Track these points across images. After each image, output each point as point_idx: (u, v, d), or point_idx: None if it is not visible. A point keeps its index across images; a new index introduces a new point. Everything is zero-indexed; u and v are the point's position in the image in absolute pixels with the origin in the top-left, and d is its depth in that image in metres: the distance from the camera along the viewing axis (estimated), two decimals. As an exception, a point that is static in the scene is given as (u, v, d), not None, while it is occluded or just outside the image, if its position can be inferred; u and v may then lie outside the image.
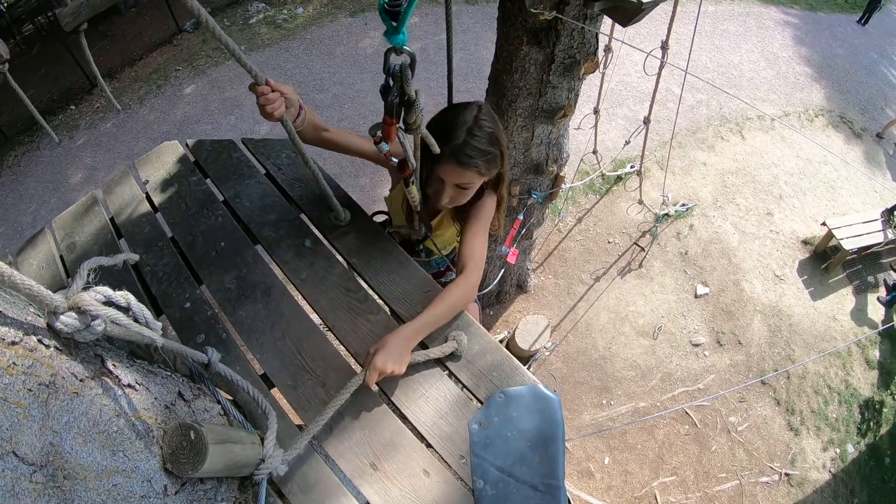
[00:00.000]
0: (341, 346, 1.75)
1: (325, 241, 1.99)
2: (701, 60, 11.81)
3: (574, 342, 7.12)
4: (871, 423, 7.34)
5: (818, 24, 15.87)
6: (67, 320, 0.94)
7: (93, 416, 0.96)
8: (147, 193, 2.17)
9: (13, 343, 0.84)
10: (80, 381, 0.96)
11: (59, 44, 10.98)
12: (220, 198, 2.13)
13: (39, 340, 0.91)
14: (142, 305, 1.07)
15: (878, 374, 7.85)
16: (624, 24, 3.07)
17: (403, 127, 1.50)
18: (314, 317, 1.81)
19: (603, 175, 8.30)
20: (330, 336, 1.77)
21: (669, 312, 7.45)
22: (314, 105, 9.55)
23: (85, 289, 0.98)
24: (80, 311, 0.96)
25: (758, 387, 7.13)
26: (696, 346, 7.23)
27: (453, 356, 1.69)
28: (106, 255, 1.36)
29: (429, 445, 1.54)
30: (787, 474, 6.59)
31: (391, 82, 1.39)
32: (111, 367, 1.10)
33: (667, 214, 8.17)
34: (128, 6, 12.95)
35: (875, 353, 8.06)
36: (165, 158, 2.24)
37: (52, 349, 0.93)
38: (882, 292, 8.88)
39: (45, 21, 13.40)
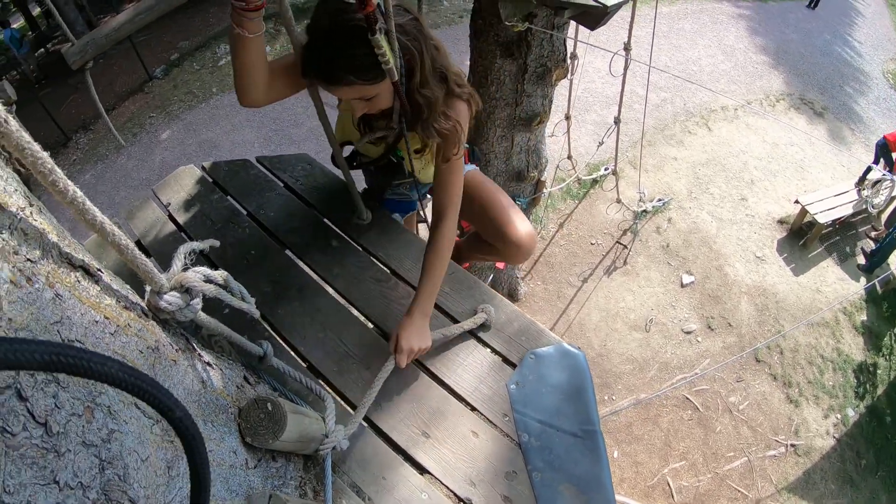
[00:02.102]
0: (379, 331, 1.88)
1: (351, 241, 2.11)
2: (661, 60, 12.17)
3: (570, 342, 7.24)
4: (868, 386, 7.57)
5: (770, 13, 16.43)
6: (171, 299, 1.04)
7: (187, 385, 1.07)
8: (170, 214, 2.28)
9: (126, 307, 0.95)
10: (176, 350, 1.07)
11: (30, 94, 11.06)
12: (244, 211, 2.23)
13: (143, 310, 1.03)
14: (238, 283, 1.19)
15: (867, 338, 8.13)
16: (592, 28, 3.25)
17: None
18: (350, 309, 1.93)
19: (579, 179, 8.51)
20: (367, 324, 1.90)
21: (658, 304, 7.64)
22: (290, 140, 9.72)
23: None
24: (184, 290, 1.06)
25: (753, 365, 7.32)
26: (689, 333, 7.41)
27: (484, 326, 1.82)
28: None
29: (473, 409, 1.66)
30: (792, 445, 6.76)
31: None
32: (194, 345, 1.22)
33: (645, 211, 8.39)
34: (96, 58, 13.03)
35: (862, 318, 8.34)
36: (183, 182, 2.34)
37: (151, 319, 1.04)
38: (861, 259, 9.19)
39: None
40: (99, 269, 0.96)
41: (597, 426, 1.56)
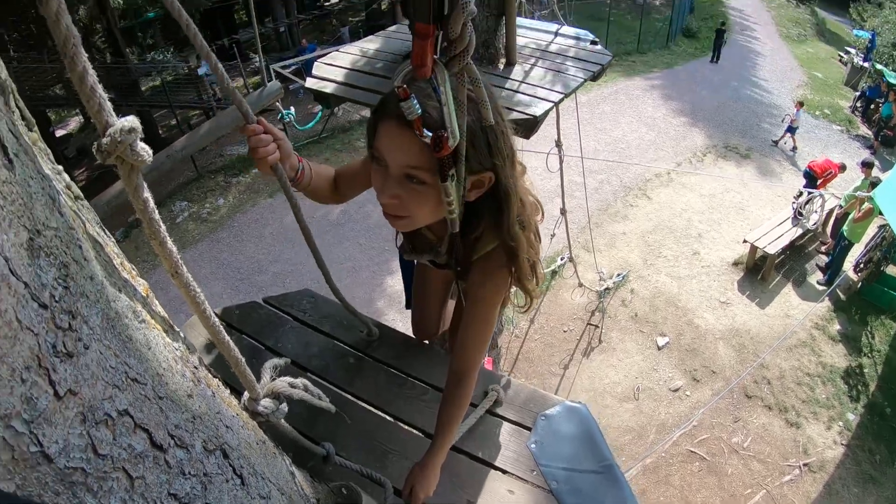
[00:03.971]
0: (409, 425, 2.18)
1: (365, 356, 2.42)
2: (591, 146, 13.15)
3: (570, 429, 7.64)
4: (860, 387, 8.00)
5: (678, 77, 17.88)
6: (267, 403, 1.27)
7: (284, 476, 1.39)
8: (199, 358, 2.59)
9: (244, 408, 1.27)
10: (275, 446, 1.41)
11: None
12: (262, 347, 2.49)
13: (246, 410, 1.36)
14: (315, 388, 1.49)
15: (845, 344, 8.64)
16: (527, 137, 3.42)
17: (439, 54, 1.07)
18: (377, 413, 2.24)
19: (540, 275, 9.16)
20: (397, 423, 2.20)
21: (641, 371, 8.13)
22: (257, 287, 10.07)
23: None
24: (275, 397, 1.31)
25: (746, 402, 7.73)
26: (676, 390, 7.86)
27: (497, 403, 2.22)
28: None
29: (504, 472, 2.02)
30: (805, 465, 7.05)
31: None
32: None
33: (607, 289, 9.02)
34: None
35: (835, 328, 8.88)
36: (199, 328, 2.55)
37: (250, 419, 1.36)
38: (819, 275, 9.83)
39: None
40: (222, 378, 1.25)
41: (612, 460, 2.00)
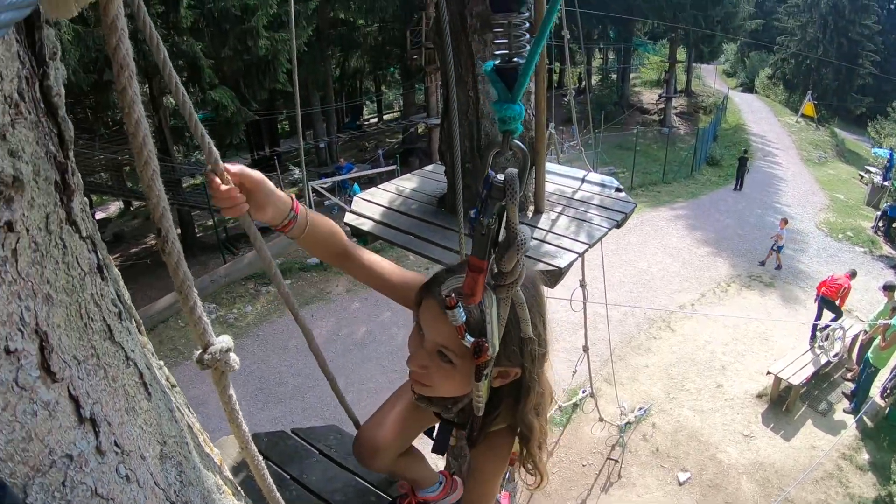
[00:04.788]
0: None
1: (389, 497, 2.45)
2: (615, 278, 13.63)
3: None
4: (889, 517, 7.82)
5: (703, 206, 18.49)
6: None
7: None
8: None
9: None
10: None
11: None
12: (287, 476, 2.53)
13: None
14: None
15: (874, 473, 8.53)
16: (552, 286, 3.29)
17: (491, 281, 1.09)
18: None
19: (560, 407, 9.48)
20: None
21: (662, 508, 8.22)
22: (276, 398, 10.16)
23: None
24: None
25: (773, 543, 7.71)
26: (698, 527, 7.92)
27: None
28: None
29: None
30: None
31: (490, 197, 0.98)
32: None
33: (628, 423, 9.25)
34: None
35: (864, 456, 8.81)
36: (228, 450, 2.64)
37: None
38: (845, 403, 9.85)
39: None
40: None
41: None
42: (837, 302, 10.82)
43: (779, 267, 14.48)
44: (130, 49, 0.74)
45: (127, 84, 0.75)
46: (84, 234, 0.83)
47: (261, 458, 1.07)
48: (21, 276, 0.63)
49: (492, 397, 1.41)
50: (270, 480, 1.12)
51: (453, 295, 1.13)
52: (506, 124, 0.93)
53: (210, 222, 17.87)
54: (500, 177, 0.95)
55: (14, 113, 0.63)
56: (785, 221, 14.53)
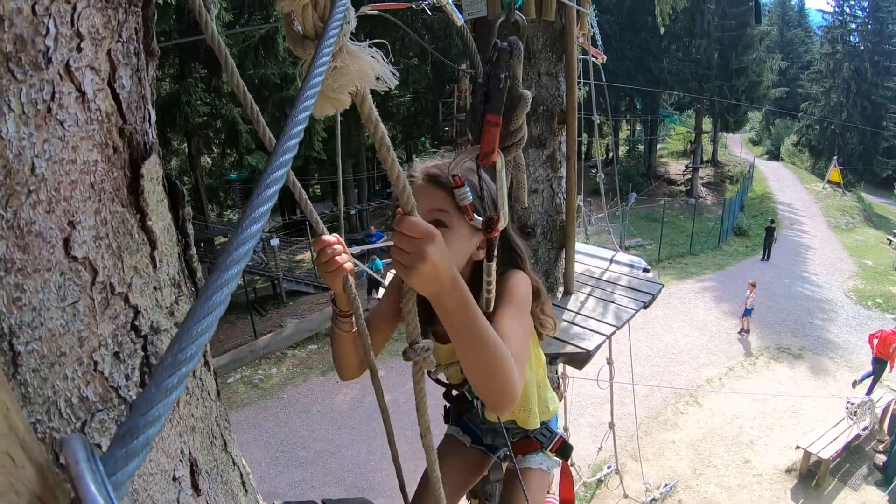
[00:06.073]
0: None
1: None
2: (642, 351, 13.59)
3: None
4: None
5: (730, 278, 18.50)
6: None
7: None
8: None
9: None
10: None
11: None
12: None
13: None
14: None
15: (909, 551, 8.27)
16: (580, 368, 3.55)
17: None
18: None
19: (584, 483, 9.46)
20: None
21: (689, 589, 8.11)
22: (297, 462, 10.03)
23: None
24: None
25: None
26: None
27: None
28: None
29: None
30: None
31: (499, 58, 1.11)
32: None
33: (654, 500, 9.21)
34: None
35: (898, 533, 8.55)
36: None
37: None
38: (877, 475, 9.67)
39: None
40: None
41: None
42: (889, 362, 10.77)
43: (743, 331, 14.70)
44: (386, 134, 0.89)
45: (387, 157, 0.90)
46: (211, 368, 1.04)
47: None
48: (180, 417, 0.86)
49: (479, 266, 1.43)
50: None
51: (458, 174, 1.22)
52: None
53: (240, 282, 18.07)
54: (506, 44, 1.10)
55: (178, 292, 0.86)
56: (753, 285, 14.62)
